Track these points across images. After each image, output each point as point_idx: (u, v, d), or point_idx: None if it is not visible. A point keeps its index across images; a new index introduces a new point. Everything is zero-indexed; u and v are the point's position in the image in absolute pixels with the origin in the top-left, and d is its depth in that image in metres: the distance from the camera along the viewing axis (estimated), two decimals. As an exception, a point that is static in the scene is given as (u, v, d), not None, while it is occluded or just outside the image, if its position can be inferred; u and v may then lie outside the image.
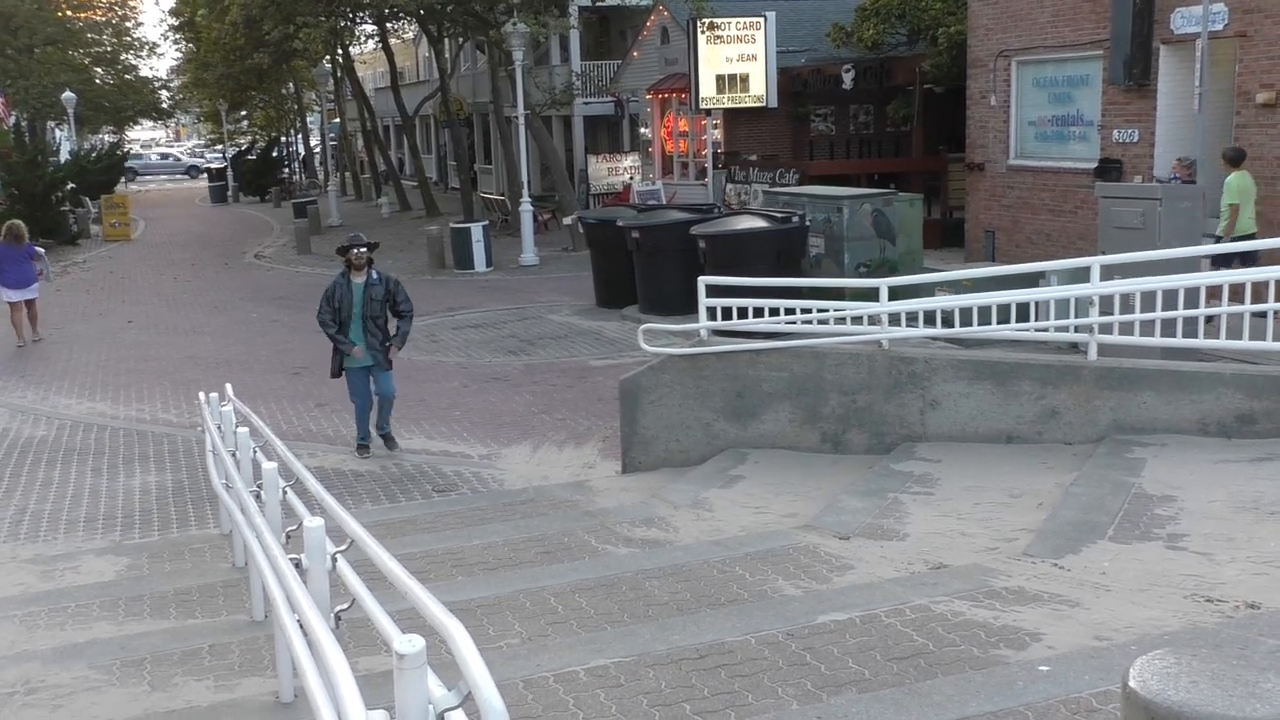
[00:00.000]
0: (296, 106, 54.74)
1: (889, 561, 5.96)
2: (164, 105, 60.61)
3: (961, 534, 6.37)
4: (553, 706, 4.27)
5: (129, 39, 53.61)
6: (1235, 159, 13.27)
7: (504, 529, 7.49)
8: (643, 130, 31.09)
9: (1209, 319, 8.13)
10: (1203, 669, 2.28)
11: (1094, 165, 16.87)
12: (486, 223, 25.21)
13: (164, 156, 78.92)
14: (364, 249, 9.88)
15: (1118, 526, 5.99)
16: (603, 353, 14.63)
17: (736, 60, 25.57)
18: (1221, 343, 7.98)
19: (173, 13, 50.72)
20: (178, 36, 52.87)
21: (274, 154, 54.88)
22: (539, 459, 10.05)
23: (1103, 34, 16.61)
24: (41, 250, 17.97)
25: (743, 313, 8.95)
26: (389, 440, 10.28)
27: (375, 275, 9.94)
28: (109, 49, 52.58)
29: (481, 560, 6.72)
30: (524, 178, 25.25)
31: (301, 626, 2.86)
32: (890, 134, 26.25)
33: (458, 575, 6.44)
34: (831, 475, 7.95)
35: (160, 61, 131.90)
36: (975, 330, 8.27)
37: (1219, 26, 14.54)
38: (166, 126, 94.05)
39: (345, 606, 3.69)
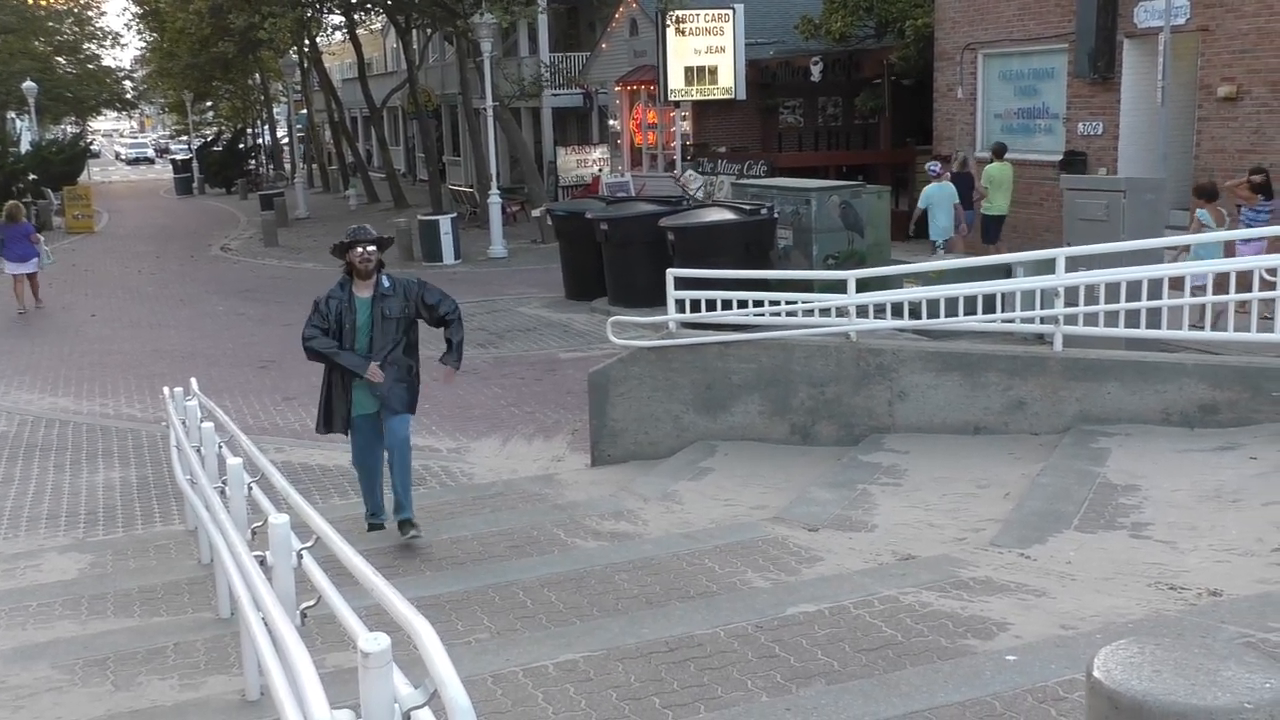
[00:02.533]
0: (263, 97, 54.22)
1: (857, 553, 5.98)
2: (128, 96, 59.87)
3: (929, 525, 6.41)
4: (522, 701, 4.26)
5: (91, 28, 52.88)
6: (998, 152, 16.87)
7: (473, 523, 7.46)
8: (611, 122, 31.03)
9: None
10: (1165, 658, 2.30)
11: (1059, 158, 16.99)
12: (455, 215, 25.08)
13: None
14: (372, 247, 6.70)
15: (1083, 516, 6.04)
16: (572, 345, 14.60)
17: (705, 52, 25.56)
18: (1185, 333, 8.07)
19: (136, 1, 50.07)
20: (141, 26, 52.20)
21: (240, 145, 54.35)
22: (508, 452, 10.01)
23: (1067, 27, 16.72)
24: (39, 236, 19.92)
25: (711, 305, 8.96)
26: (406, 525, 6.83)
27: (388, 283, 6.78)
28: (70, 38, 51.84)
29: (450, 555, 6.69)
30: (492, 170, 25.14)
31: (266, 625, 2.83)
32: (858, 126, 26.33)
33: (426, 570, 6.41)
34: (800, 467, 7.98)
35: (124, 51, 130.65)
36: (943, 322, 8.31)
37: (1181, 20, 14.68)
38: (131, 117, 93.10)
39: (311, 604, 3.66)
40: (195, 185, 49.93)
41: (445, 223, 23.63)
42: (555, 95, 33.38)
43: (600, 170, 29.84)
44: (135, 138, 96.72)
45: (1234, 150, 14.24)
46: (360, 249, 6.69)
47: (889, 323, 8.74)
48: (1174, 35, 14.54)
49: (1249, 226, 11.64)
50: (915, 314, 8.71)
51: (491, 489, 8.67)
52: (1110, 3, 15.85)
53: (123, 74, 58.41)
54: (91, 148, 55.10)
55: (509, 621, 5.27)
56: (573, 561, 6.22)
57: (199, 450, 6.26)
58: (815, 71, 25.59)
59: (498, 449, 10.16)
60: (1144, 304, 7.79)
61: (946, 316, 8.23)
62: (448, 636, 5.05)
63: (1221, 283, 7.56)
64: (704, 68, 25.58)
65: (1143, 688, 2.20)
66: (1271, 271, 7.76)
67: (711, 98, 25.99)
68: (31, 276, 18.98)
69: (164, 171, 62.94)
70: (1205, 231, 12.05)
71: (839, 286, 8.80)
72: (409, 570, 6.36)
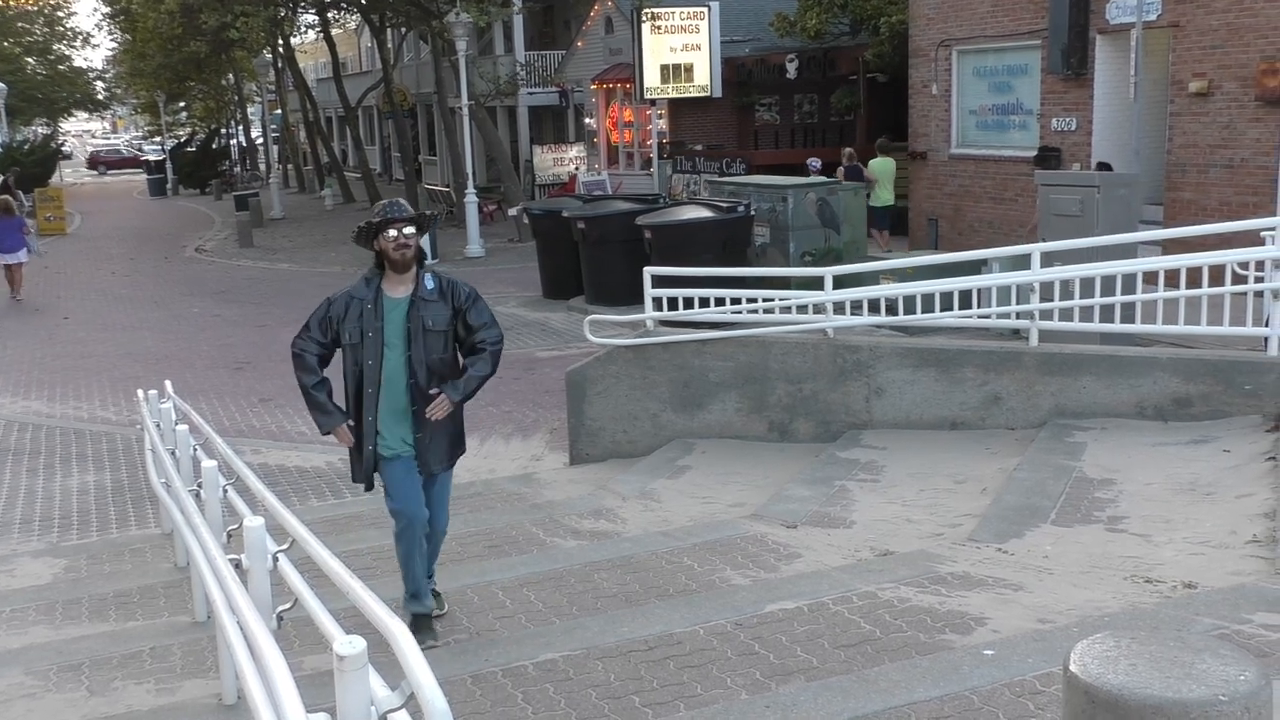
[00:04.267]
0: (237, 97, 53.88)
1: (836, 549, 6.00)
2: (99, 96, 59.37)
3: (907, 520, 6.43)
4: (501, 702, 4.24)
5: (62, 28, 52.42)
6: (882, 148, 19.01)
7: (452, 523, 7.39)
8: (588, 120, 31.00)
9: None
10: (1141, 651, 2.31)
11: (1033, 153, 17.08)
12: (431, 214, 24.98)
13: None
14: (410, 228, 4.99)
15: (1060, 510, 6.08)
16: (549, 344, 14.58)
17: (681, 50, 25.56)
18: (1158, 327, 8.12)
19: (106, 1, 49.65)
20: (112, 26, 51.77)
21: (214, 146, 53.98)
22: (486, 452, 9.98)
23: (1041, 24, 16.81)
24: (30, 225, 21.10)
25: (689, 303, 8.96)
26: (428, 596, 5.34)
27: (433, 283, 5.08)
28: (40, 38, 51.38)
29: (429, 555, 6.66)
30: (469, 169, 25.06)
31: (241, 629, 2.81)
32: (834, 123, 26.40)
33: (404, 571, 6.37)
34: (779, 464, 7.99)
35: (95, 52, 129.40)
36: (919, 318, 8.34)
37: (1153, 17, 14.78)
38: (103, 118, 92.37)
39: (288, 606, 3.64)
40: (169, 186, 49.56)
41: (422, 222, 23.52)
42: (531, 94, 33.32)
43: (577, 169, 29.81)
44: (107, 139, 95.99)
45: (1205, 145, 14.35)
46: (393, 231, 4.92)
47: (866, 319, 8.77)
48: (1146, 31, 14.64)
49: None
50: (892, 310, 8.74)
51: (470, 489, 8.64)
52: (1083, -1, 15.96)
53: (94, 75, 57.96)
54: (63, 149, 54.67)
55: (488, 622, 5.25)
56: (551, 561, 6.20)
57: (174, 453, 6.21)
58: (791, 69, 25.64)
59: (475, 448, 10.12)
60: (1118, 299, 7.84)
61: (923, 313, 8.26)
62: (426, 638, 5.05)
63: (1194, 277, 7.61)
64: (680, 65, 25.58)
65: (1119, 681, 2.21)
66: (1244, 265, 7.82)
67: (687, 95, 26.00)
68: (17, 267, 19.74)
69: (136, 173, 62.43)
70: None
71: (816, 283, 8.81)
72: (387, 572, 6.32)
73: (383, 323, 4.97)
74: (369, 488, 5.17)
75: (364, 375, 4.98)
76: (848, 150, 19.86)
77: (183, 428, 6.29)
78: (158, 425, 7.23)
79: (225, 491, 5.02)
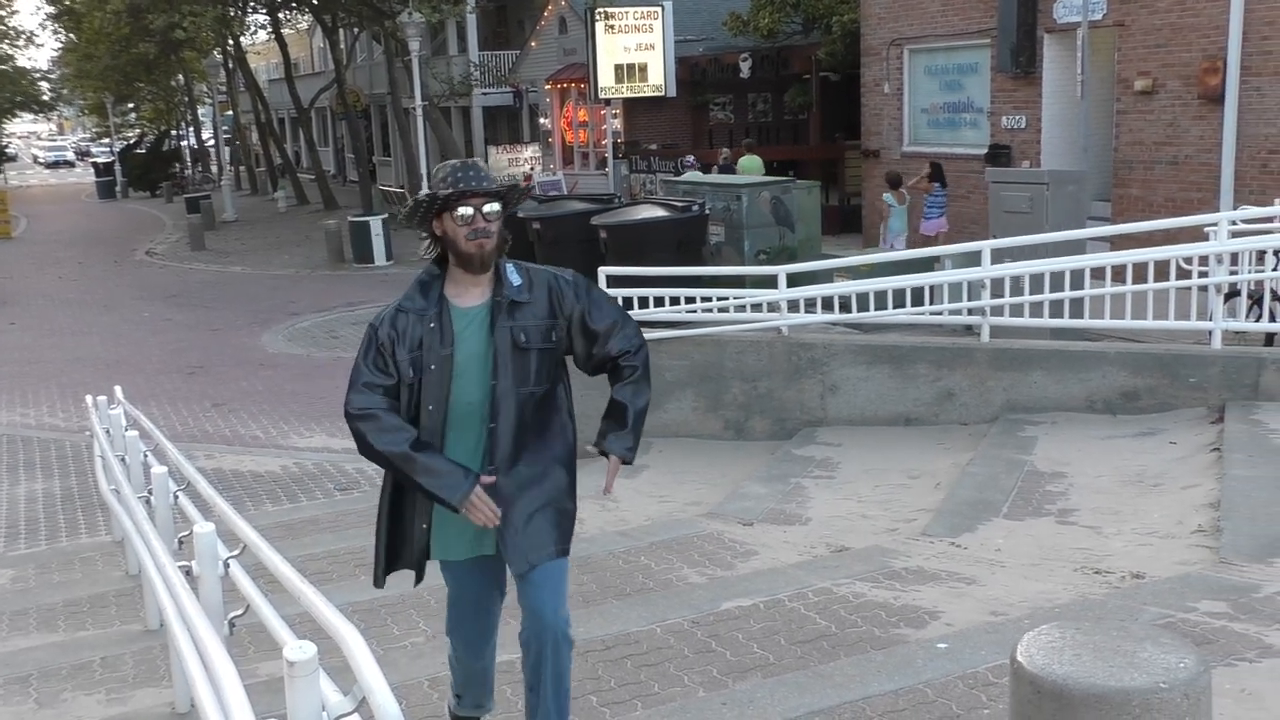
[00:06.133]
0: (187, 99, 53.19)
1: (792, 546, 6.03)
2: (45, 97, 58.36)
3: (862, 516, 6.49)
4: (458, 705, 4.22)
5: (3, 28, 51.44)
6: (748, 148, 20.78)
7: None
8: (542, 121, 30.94)
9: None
10: (1085, 642, 2.35)
11: (984, 151, 17.28)
12: (386, 216, 24.84)
13: None
14: (494, 204, 3.34)
15: (1012, 504, 6.15)
16: (507, 345, 14.53)
17: (635, 50, 25.60)
18: (1106, 322, 8.25)
19: (50, 1, 48.80)
20: (56, 26, 50.89)
21: (165, 148, 53.24)
22: (443, 454, 9.94)
23: (990, 23, 17.01)
24: None
25: (644, 302, 8.97)
26: None
27: (519, 278, 3.41)
28: (-19, 38, 50.43)
29: (385, 559, 6.61)
30: (423, 170, 24.92)
31: (192, 637, 2.79)
32: (788, 122, 26.57)
33: (361, 575, 6.32)
34: (735, 462, 8.02)
35: (40, 52, 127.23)
36: (873, 315, 8.41)
37: (1098, 16, 15.00)
38: (49, 119, 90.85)
39: (240, 613, 3.61)
40: (118, 189, 48.83)
41: (376, 224, 23.40)
42: (485, 94, 33.22)
43: (532, 169, 29.74)
44: (54, 140, 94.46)
45: (1151, 142, 14.59)
46: (467, 209, 3.26)
47: (820, 317, 8.83)
48: (1092, 30, 14.86)
49: (931, 209, 16.52)
50: (846, 308, 8.81)
51: (426, 491, 8.60)
52: (1031, -1, 16.16)
53: (39, 75, 56.96)
54: (7, 150, 53.67)
55: (444, 624, 5.22)
56: (509, 562, 6.18)
57: (123, 459, 6.13)
58: (744, 68, 25.74)
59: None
60: (1067, 294, 7.95)
61: (876, 310, 8.33)
62: (384, 641, 5.03)
63: (1141, 272, 7.74)
64: (634, 65, 25.62)
65: (1063, 672, 2.25)
66: (1188, 260, 7.97)
67: (642, 95, 26.04)
68: None
69: (85, 175, 61.49)
70: (892, 211, 16.59)
71: (771, 282, 8.86)
72: (344, 575, 6.29)
73: (453, 345, 3.26)
74: (420, 578, 3.49)
75: (420, 426, 3.25)
76: (725, 151, 21.77)
77: (132, 433, 6.20)
78: (107, 431, 7.13)
79: (176, 497, 4.96)
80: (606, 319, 3.43)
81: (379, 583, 3.47)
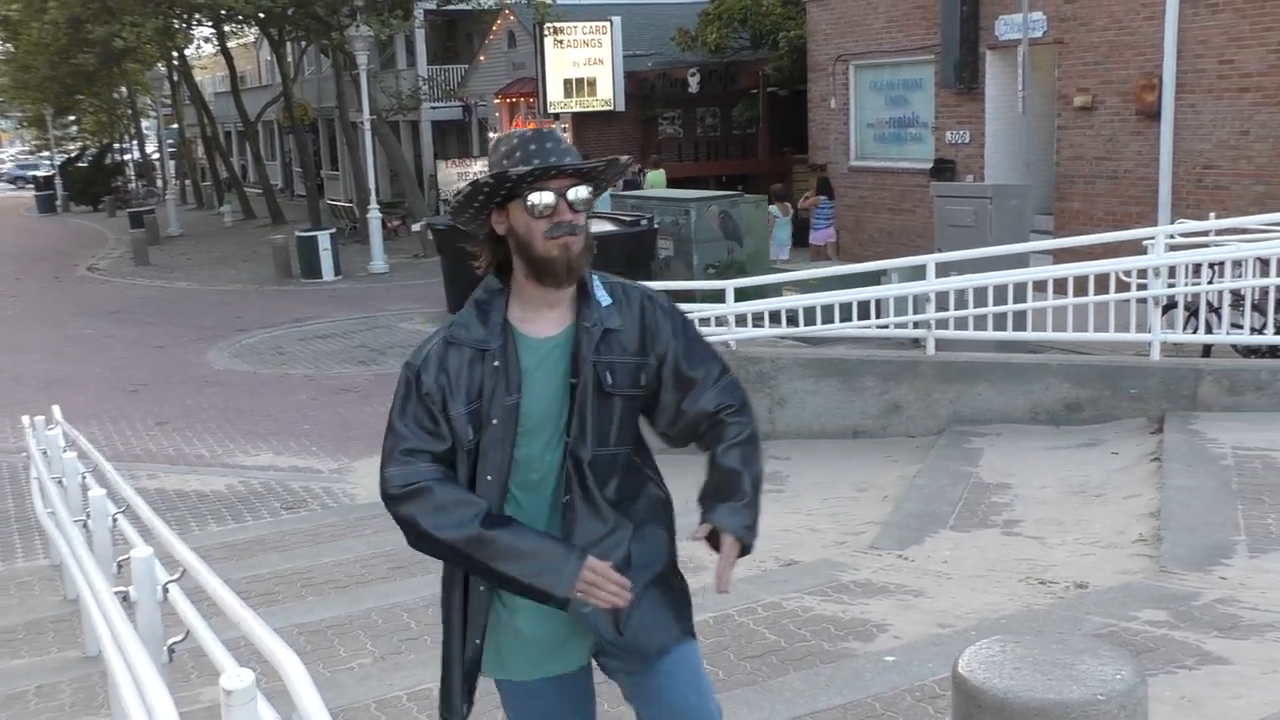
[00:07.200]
0: (130, 111, 52.41)
1: (741, 560, 6.03)
2: (-20, 110, 57.27)
3: (811, 530, 6.51)
4: (405, 727, 4.18)
5: (-62, 39, 50.39)
6: (655, 163, 22.25)
7: (356, 544, 7.31)
8: (491, 135, 30.87)
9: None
10: (1025, 655, 2.38)
11: (929, 165, 17.51)
12: (334, 230, 24.63)
13: None
14: (584, 188, 2.35)
15: (958, 515, 6.21)
16: (456, 360, 14.45)
17: (584, 64, 25.65)
18: (1049, 334, 8.39)
19: (-15, 11, 47.94)
20: (-8, 37, 49.96)
21: (107, 161, 52.42)
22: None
23: (933, 39, 17.25)
24: None
25: (594, 317, 8.96)
26: None
27: (608, 296, 2.44)
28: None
29: (332, 579, 6.54)
30: (372, 184, 24.78)
31: (128, 666, 2.73)
32: (737, 136, 26.75)
33: (307, 595, 6.25)
34: (684, 475, 8.01)
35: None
36: (820, 329, 8.47)
37: (1039, 34, 15.28)
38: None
39: (179, 639, 3.54)
40: (59, 203, 47.99)
41: (324, 238, 23.19)
42: (434, 108, 33.08)
43: (482, 183, 29.64)
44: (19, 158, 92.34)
45: (1091, 157, 14.86)
46: (547, 195, 2.33)
47: (768, 331, 8.88)
48: (1032, 48, 15.13)
49: (819, 219, 18.32)
50: (794, 321, 8.86)
51: (374, 509, 8.47)
52: (972, 16, 16.42)
53: (-27, 87, 55.80)
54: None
55: (393, 645, 5.17)
56: (458, 581, 6.13)
57: (60, 482, 6.01)
58: (693, 83, 25.90)
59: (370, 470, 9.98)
60: (1010, 307, 8.06)
61: (824, 323, 8.39)
62: (330, 663, 4.97)
63: (1083, 285, 7.88)
64: (583, 79, 25.66)
65: (1004, 685, 2.27)
66: (1128, 274, 8.12)
67: (591, 109, 26.08)
68: None
69: (24, 189, 60.38)
70: (777, 222, 17.80)
71: (719, 296, 8.90)
72: (290, 597, 6.20)
73: (519, 394, 2.41)
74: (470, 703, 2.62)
75: (476, 492, 2.42)
76: (637, 166, 22.90)
77: (70, 455, 6.08)
78: (44, 453, 6.98)
79: (115, 521, 4.86)
80: (704, 364, 2.57)
81: (444, 710, 2.59)
